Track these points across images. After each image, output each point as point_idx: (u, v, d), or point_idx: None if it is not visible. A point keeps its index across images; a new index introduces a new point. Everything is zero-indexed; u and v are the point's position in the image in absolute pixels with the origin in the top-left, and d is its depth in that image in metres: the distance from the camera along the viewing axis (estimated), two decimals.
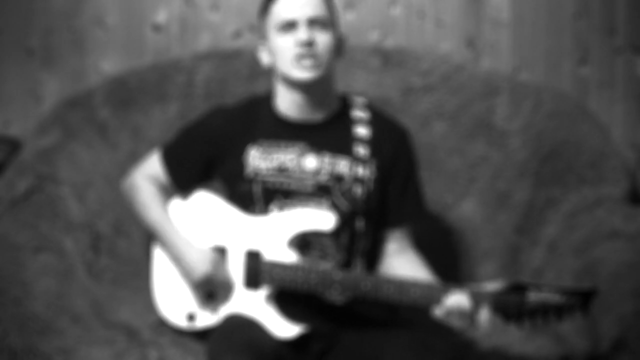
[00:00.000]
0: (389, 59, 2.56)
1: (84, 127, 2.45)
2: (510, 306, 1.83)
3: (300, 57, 1.99)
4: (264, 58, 2.08)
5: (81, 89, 2.60)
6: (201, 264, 2.00)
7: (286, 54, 2.00)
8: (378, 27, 2.76)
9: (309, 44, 1.99)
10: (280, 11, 2.02)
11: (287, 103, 2.06)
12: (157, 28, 2.76)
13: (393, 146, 2.07)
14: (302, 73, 2.00)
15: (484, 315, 1.84)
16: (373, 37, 2.76)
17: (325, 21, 2.03)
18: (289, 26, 2.01)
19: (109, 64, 2.77)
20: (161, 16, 2.76)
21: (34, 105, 2.79)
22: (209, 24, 2.76)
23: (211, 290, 2.03)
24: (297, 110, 2.05)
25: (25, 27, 2.77)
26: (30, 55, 2.78)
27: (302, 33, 2.00)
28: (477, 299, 1.84)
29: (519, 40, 2.77)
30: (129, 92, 2.50)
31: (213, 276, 2.00)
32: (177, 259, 2.05)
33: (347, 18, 2.72)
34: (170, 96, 2.50)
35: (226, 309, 2.01)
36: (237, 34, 2.75)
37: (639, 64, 2.78)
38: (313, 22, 2.01)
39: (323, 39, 2.01)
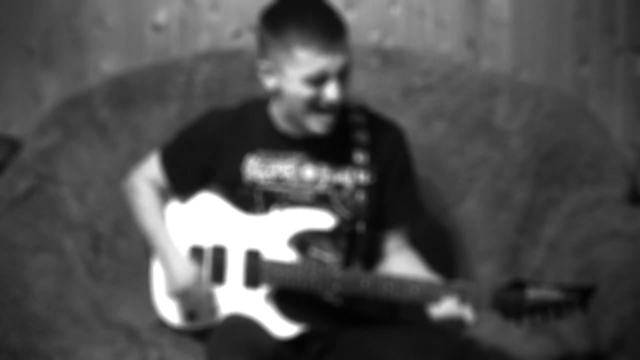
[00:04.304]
0: (389, 59, 2.56)
1: (84, 127, 2.45)
2: (510, 303, 1.83)
3: (322, 113, 1.90)
4: (269, 83, 1.94)
5: (81, 89, 2.60)
6: (183, 277, 2.01)
7: (306, 105, 1.89)
8: (378, 27, 2.76)
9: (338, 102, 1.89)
10: (310, 60, 1.84)
11: (286, 124, 2.01)
12: (157, 28, 2.76)
13: (389, 148, 2.05)
14: (320, 128, 1.92)
15: (468, 314, 1.84)
16: (373, 37, 2.75)
17: (350, 65, 1.91)
18: (319, 80, 1.86)
19: (109, 64, 2.77)
20: (161, 16, 2.76)
21: (34, 105, 2.79)
22: (209, 24, 2.76)
23: (193, 308, 2.04)
24: (297, 129, 2.00)
25: (25, 27, 2.77)
26: (30, 55, 2.78)
27: (332, 92, 1.86)
28: (464, 298, 1.85)
29: (519, 40, 2.77)
30: (129, 92, 2.50)
31: (192, 291, 2.00)
32: (165, 267, 2.06)
33: (347, 18, 2.71)
34: (170, 96, 2.50)
35: (225, 309, 2.01)
36: (237, 34, 2.75)
37: (639, 64, 2.78)
38: (342, 73, 1.89)
39: (345, 88, 1.90)
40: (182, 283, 2.01)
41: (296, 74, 1.87)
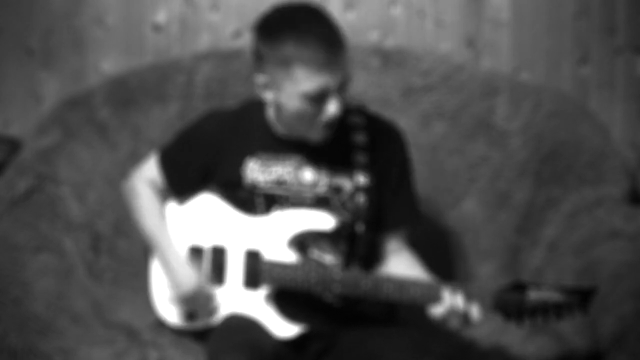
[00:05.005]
0: (389, 59, 2.56)
1: (84, 127, 2.45)
2: (511, 305, 1.83)
3: (323, 125, 1.89)
4: (267, 96, 1.91)
5: (81, 89, 2.60)
6: (185, 283, 2.00)
7: (307, 121, 1.88)
8: (378, 27, 2.76)
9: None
10: (310, 78, 1.81)
11: (284, 128, 2.00)
12: (157, 28, 2.76)
13: (388, 150, 2.04)
14: (319, 135, 1.92)
15: (475, 311, 1.84)
16: (373, 37, 2.75)
17: (348, 76, 1.88)
18: (319, 97, 1.83)
19: (109, 64, 2.77)
20: (161, 16, 2.76)
21: (34, 105, 2.79)
22: (209, 24, 2.76)
23: (194, 309, 2.04)
24: (295, 134, 1.99)
25: (25, 27, 2.77)
26: (30, 55, 2.78)
27: (333, 107, 1.84)
28: (469, 297, 1.85)
29: (519, 40, 2.77)
30: (129, 92, 2.51)
31: (195, 296, 2.00)
32: (167, 272, 2.06)
33: (347, 18, 2.72)
34: (170, 96, 2.50)
35: (225, 310, 2.02)
36: (237, 34, 2.75)
37: (639, 63, 2.78)
38: (340, 87, 1.86)
39: (344, 99, 1.88)
40: (185, 289, 2.00)
41: (295, 90, 1.84)
